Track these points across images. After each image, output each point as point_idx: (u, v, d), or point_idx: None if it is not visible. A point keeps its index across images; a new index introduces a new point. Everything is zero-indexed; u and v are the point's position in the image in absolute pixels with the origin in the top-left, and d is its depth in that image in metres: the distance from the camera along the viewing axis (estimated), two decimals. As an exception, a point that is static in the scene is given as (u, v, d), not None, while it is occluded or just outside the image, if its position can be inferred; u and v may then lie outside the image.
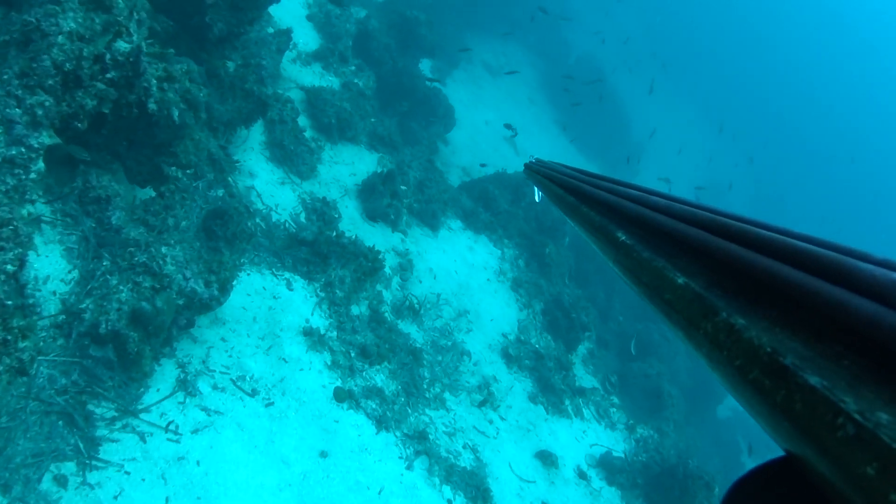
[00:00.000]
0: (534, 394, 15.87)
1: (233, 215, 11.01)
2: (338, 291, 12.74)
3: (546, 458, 14.36)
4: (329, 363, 11.61)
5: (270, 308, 11.55)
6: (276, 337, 11.19)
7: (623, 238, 1.44)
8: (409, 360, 13.48)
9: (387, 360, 12.77)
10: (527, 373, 16.21)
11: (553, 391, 16.11)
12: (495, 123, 29.17)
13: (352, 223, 15.37)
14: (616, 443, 16.91)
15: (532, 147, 30.51)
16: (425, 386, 13.47)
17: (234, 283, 10.19)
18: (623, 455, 16.35)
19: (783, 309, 0.90)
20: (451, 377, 14.34)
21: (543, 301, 18.55)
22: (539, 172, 2.89)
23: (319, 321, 12.13)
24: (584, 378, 18.55)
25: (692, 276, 1.10)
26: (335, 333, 12.20)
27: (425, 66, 25.55)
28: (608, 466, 15.67)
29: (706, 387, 25.50)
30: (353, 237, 13.51)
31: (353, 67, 19.91)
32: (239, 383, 10.08)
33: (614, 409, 17.95)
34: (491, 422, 14.22)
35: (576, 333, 18.46)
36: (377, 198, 16.04)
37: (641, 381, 19.99)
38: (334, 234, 13.23)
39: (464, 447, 13.02)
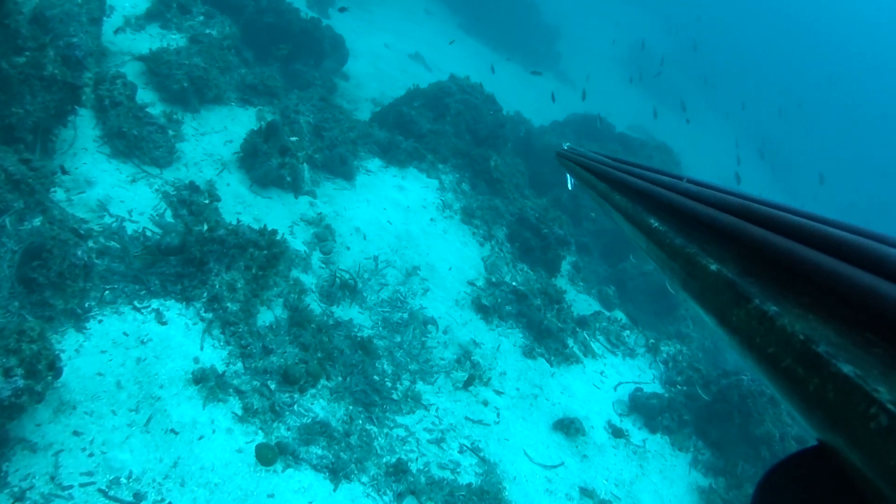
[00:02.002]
0: (528, 346, 12.61)
1: (53, 249, 7.82)
2: (229, 304, 9.19)
3: (568, 427, 11.23)
4: (240, 413, 8.16)
5: (140, 360, 8.03)
6: (155, 401, 7.72)
7: (656, 225, 1.43)
8: (358, 357, 10.19)
9: (324, 375, 9.31)
10: (511, 322, 12.88)
11: (550, 335, 12.84)
12: (396, 45, 27.27)
13: (239, 202, 11.85)
14: (642, 373, 13.85)
15: (442, 59, 28.20)
16: (389, 384, 10.26)
17: (77, 342, 7.72)
18: (657, 387, 13.45)
19: (815, 296, 0.88)
20: (418, 360, 11.12)
21: (505, 224, 15.12)
22: (571, 160, 2.89)
23: (213, 355, 8.64)
24: (579, 300, 15.37)
25: (725, 263, 1.09)
26: (240, 365, 8.74)
27: (299, 1, 22.07)
28: (644, 409, 12.61)
29: None
30: (234, 224, 9.90)
31: (201, 18, 16.06)
32: (114, 492, 6.65)
33: (627, 332, 14.75)
34: (486, 403, 11.03)
35: (554, 251, 15.16)
36: (263, 161, 12.43)
37: (641, 282, 17.15)
38: (205, 227, 9.59)
39: (461, 452, 9.90)
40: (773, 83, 65.88)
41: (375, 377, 10.15)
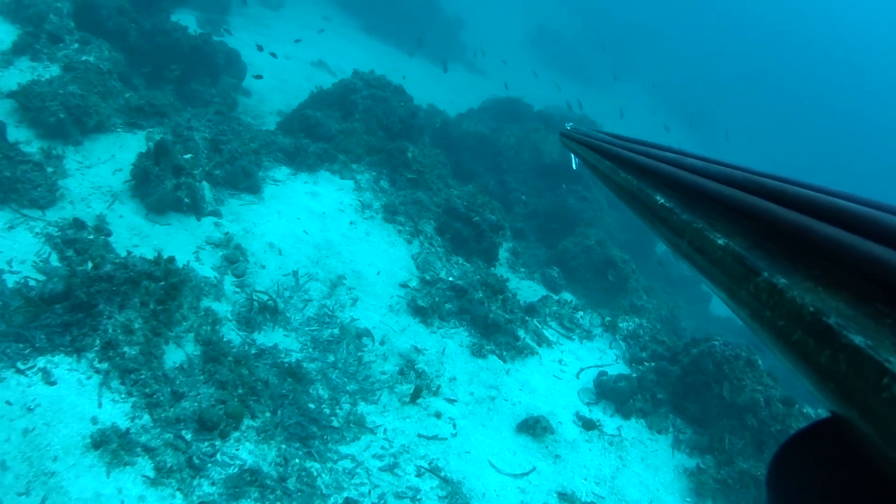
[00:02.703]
0: (476, 345, 11.46)
1: None
2: (127, 349, 7.85)
3: (534, 427, 10.16)
4: (152, 475, 6.88)
5: (27, 431, 6.70)
6: (49, 478, 6.42)
7: (662, 201, 1.41)
8: (288, 386, 9.04)
9: (247, 413, 8.08)
10: (454, 321, 11.74)
11: (498, 328, 11.70)
12: (297, 55, 26.29)
13: (136, 234, 10.55)
14: (604, 354, 12.83)
15: (346, 63, 27.27)
16: (327, 411, 9.13)
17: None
18: (622, 367, 12.51)
19: (825, 268, 0.88)
20: (357, 378, 9.95)
21: (433, 217, 13.98)
22: (574, 139, 2.84)
23: (114, 411, 7.32)
24: (523, 287, 14.33)
25: (732, 237, 1.08)
26: (146, 418, 7.43)
27: (189, 19, 21.50)
28: (613, 394, 11.56)
29: (641, 233, 22.37)
30: (123, 257, 8.63)
31: (76, 45, 14.67)
32: None
33: (580, 313, 13.71)
34: (439, 415, 9.88)
35: (489, 239, 14.05)
36: (156, 185, 11.12)
37: (584, 259, 16.32)
38: (90, 265, 8.28)
39: (419, 475, 8.79)
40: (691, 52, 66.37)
41: (310, 405, 9.05)
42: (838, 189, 1.03)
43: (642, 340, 13.33)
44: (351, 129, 15.66)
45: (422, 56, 35.59)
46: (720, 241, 1.09)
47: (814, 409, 11.84)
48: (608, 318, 13.75)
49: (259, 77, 19.63)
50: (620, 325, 13.67)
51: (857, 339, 0.69)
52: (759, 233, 1.06)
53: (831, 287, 0.82)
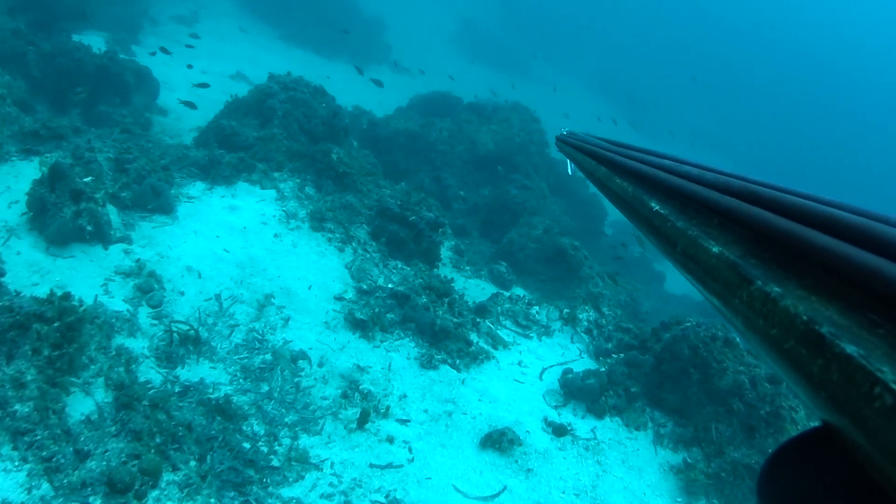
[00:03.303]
0: (425, 355, 10.38)
1: None
2: (19, 406, 6.70)
3: (499, 440, 9.18)
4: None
5: None
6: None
7: (657, 208, 1.39)
8: (218, 425, 8.01)
9: (167, 466, 6.97)
10: (398, 331, 10.66)
11: (448, 335, 10.66)
12: (214, 69, 25.72)
13: (35, 271, 9.44)
14: (566, 350, 11.92)
15: (265, 73, 26.08)
16: (265, 449, 8.10)
17: None
18: (588, 362, 11.61)
19: (819, 277, 0.88)
20: (296, 407, 8.91)
21: (365, 221, 12.91)
22: (570, 144, 2.83)
23: (6, 483, 6.23)
24: (470, 287, 13.38)
25: (727, 245, 1.08)
26: (46, 487, 6.34)
27: (96, 41, 20.33)
28: (582, 393, 10.61)
29: (589, 219, 22.40)
30: (9, 298, 7.49)
31: (-42, 76, 13.54)
32: None
33: (535, 308, 12.73)
34: (391, 440, 8.85)
35: (428, 238, 13.04)
36: (54, 213, 9.98)
37: (533, 250, 15.53)
38: (-37, 313, 7.12)
39: (375, 512, 7.61)
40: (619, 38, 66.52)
41: (245, 445, 8.00)
42: (833, 198, 1.03)
43: (606, 330, 12.43)
44: (270, 136, 14.58)
45: (345, 60, 34.88)
46: (714, 250, 1.07)
47: None
48: (566, 311, 12.80)
49: (190, 100, 18.56)
50: (580, 316, 12.74)
51: (850, 349, 0.68)
52: (753, 241, 1.06)
53: (824, 296, 0.82)
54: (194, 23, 30.88)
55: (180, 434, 7.46)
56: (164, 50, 20.42)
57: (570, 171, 3.64)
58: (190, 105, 16.44)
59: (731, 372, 10.37)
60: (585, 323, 12.66)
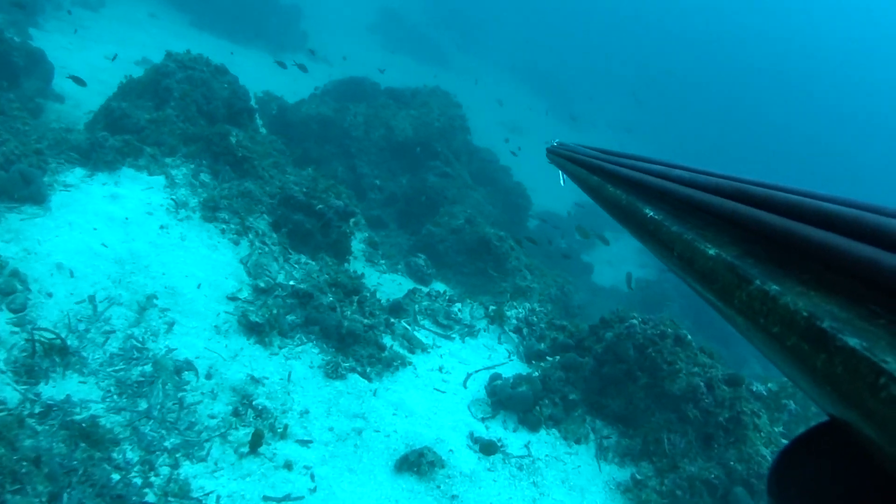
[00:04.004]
0: (331, 363, 9.07)
1: None
2: None
3: (417, 462, 7.99)
4: None
5: None
6: None
7: (651, 214, 1.41)
8: (81, 456, 6.74)
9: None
10: (300, 335, 9.31)
11: (356, 339, 9.36)
12: (120, 55, 23.20)
13: None
14: (493, 352, 10.80)
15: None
16: (138, 481, 6.85)
17: None
18: (518, 366, 10.48)
19: (817, 272, 0.88)
20: (178, 428, 7.61)
21: (266, 210, 11.51)
22: (561, 155, 2.84)
23: None
24: (385, 282, 12.18)
25: (723, 247, 1.08)
26: None
27: None
28: (513, 402, 9.51)
29: (514, 208, 21.28)
30: None
31: None
32: None
33: (457, 305, 11.45)
34: (290, 466, 7.58)
35: (337, 229, 11.72)
36: None
37: (454, 241, 14.34)
38: None
39: (265, 560, 6.37)
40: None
41: (113, 476, 6.67)
42: (825, 192, 1.02)
43: (537, 329, 11.32)
44: (163, 118, 13.10)
45: (259, 47, 33.90)
46: (711, 252, 1.08)
47: (764, 387, 10.06)
48: (492, 307, 11.64)
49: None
50: (508, 313, 11.58)
51: (853, 342, 0.68)
52: (749, 241, 1.06)
53: (823, 291, 0.82)
54: (100, 7, 29.18)
55: (23, 471, 6.06)
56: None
57: (561, 182, 3.60)
58: (79, 81, 14.89)
59: (683, 374, 9.30)
60: (514, 321, 11.50)
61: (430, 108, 20.55)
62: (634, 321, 9.79)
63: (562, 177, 3.26)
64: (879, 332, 0.68)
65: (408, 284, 12.46)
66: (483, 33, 58.02)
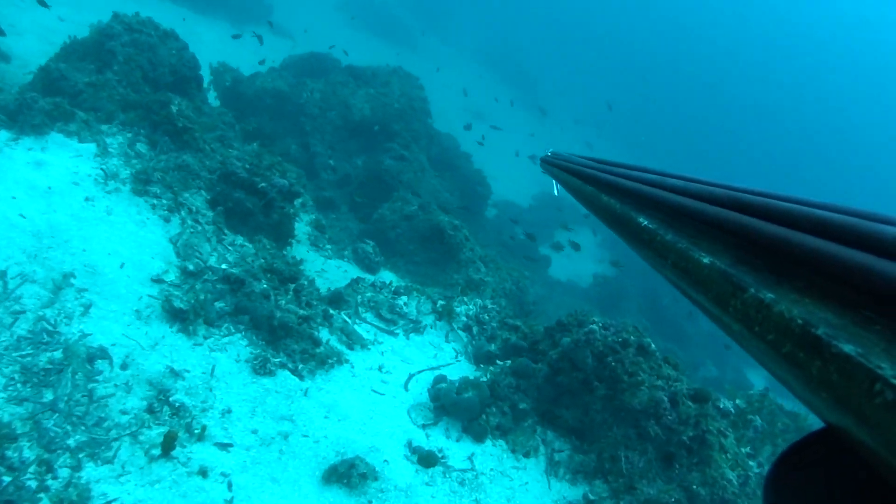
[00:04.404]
0: (259, 357, 8.23)
1: None
2: None
3: (348, 474, 7.19)
4: None
5: None
6: None
7: (645, 223, 1.41)
8: None
9: None
10: (228, 325, 8.48)
11: (289, 331, 8.55)
12: (73, 17, 21.67)
13: None
14: (439, 351, 10.08)
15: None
16: (33, 485, 6.14)
17: None
18: (465, 368, 9.75)
19: (810, 279, 0.88)
20: (85, 424, 6.82)
21: (204, 186, 10.68)
22: (555, 165, 2.87)
23: None
24: (329, 269, 11.49)
25: (717, 255, 1.08)
26: None
27: None
28: (457, 408, 8.75)
29: (472, 196, 20.59)
30: None
31: None
32: None
33: (403, 298, 10.67)
34: (205, 473, 6.79)
35: (280, 210, 10.94)
36: None
37: (406, 228, 13.65)
38: None
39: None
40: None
41: (4, 478, 5.94)
42: (819, 200, 1.03)
43: (489, 328, 10.58)
44: (103, 82, 12.24)
45: (221, 17, 32.83)
46: (705, 260, 1.08)
47: (731, 403, 9.44)
48: (441, 302, 10.88)
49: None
50: (457, 309, 10.80)
51: (847, 348, 0.69)
52: (743, 249, 1.07)
53: (818, 297, 0.82)
54: (59, -32, 27.77)
55: None
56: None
57: (556, 191, 3.59)
58: (43, 3, 14.13)
59: (646, 387, 8.63)
60: (464, 318, 10.74)
61: (390, 88, 19.82)
62: (594, 326, 9.10)
63: (556, 186, 3.25)
64: (874, 339, 0.69)
65: (354, 272, 11.74)
66: (453, 18, 57.27)
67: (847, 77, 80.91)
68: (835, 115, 76.52)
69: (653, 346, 9.09)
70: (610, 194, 1.75)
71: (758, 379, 25.50)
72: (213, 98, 16.70)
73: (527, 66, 56.39)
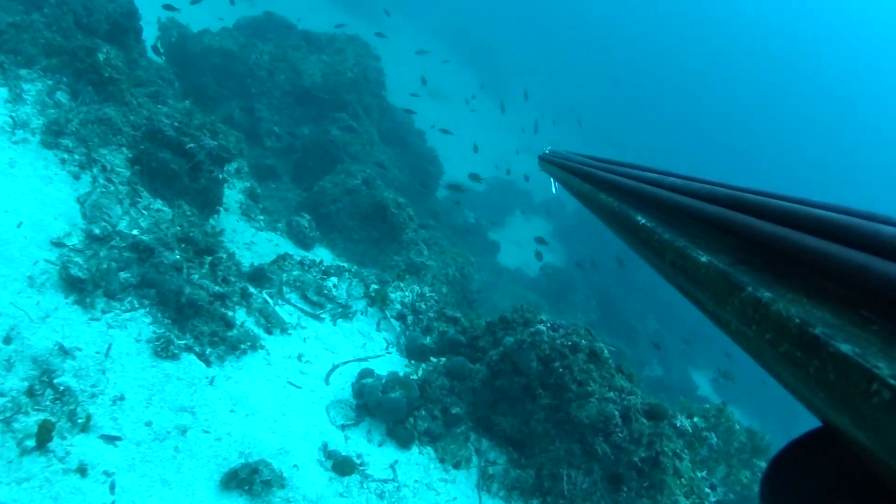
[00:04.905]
0: (163, 338, 7.24)
1: None
2: None
3: (249, 480, 6.26)
4: None
5: None
6: None
7: (643, 221, 1.38)
8: None
9: None
10: (132, 300, 7.48)
11: (198, 311, 7.61)
12: None
13: None
14: (369, 340, 9.24)
15: None
16: None
17: None
18: (395, 361, 8.86)
19: (809, 279, 0.88)
20: None
21: (126, 143, 9.69)
22: (553, 163, 2.86)
23: None
24: (259, 242, 10.68)
25: (715, 254, 1.06)
26: None
27: None
28: (381, 409, 7.90)
29: (425, 175, 19.67)
30: None
31: None
32: None
33: (333, 279, 9.76)
34: (83, 470, 5.84)
35: (208, 174, 10.00)
36: None
37: (348, 203, 12.82)
38: None
39: None
40: None
41: None
42: (819, 199, 1.01)
43: (425, 318, 9.71)
44: (27, 24, 11.15)
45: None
46: (703, 259, 1.06)
47: (689, 422, 8.70)
48: (374, 286, 9.97)
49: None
50: (392, 295, 9.91)
51: (845, 348, 0.68)
52: (741, 248, 1.06)
53: (816, 297, 0.82)
54: None
55: None
56: None
57: (553, 189, 3.59)
58: None
59: (595, 398, 7.75)
60: (399, 305, 9.86)
61: (344, 56, 18.86)
62: (542, 327, 8.21)
63: (553, 184, 3.21)
64: (871, 338, 0.68)
65: (286, 247, 10.87)
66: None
67: (831, 76, 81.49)
68: (820, 114, 76.81)
69: (606, 352, 8.25)
70: (608, 192, 1.73)
71: (703, 381, 25.09)
72: (149, 51, 15.61)
73: (496, 51, 55.70)
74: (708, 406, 10.35)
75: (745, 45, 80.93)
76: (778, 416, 23.81)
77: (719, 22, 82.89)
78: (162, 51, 16.49)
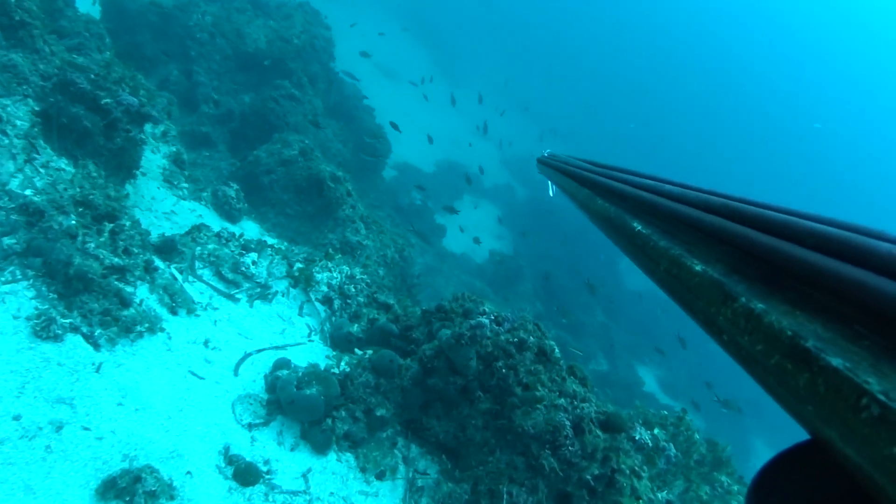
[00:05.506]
0: (45, 315, 6.20)
1: None
2: None
3: (129, 490, 5.29)
4: None
5: None
6: None
7: (639, 228, 1.40)
8: None
9: None
10: (14, 269, 6.40)
11: (87, 283, 6.62)
12: None
13: None
14: (289, 326, 8.41)
15: None
16: None
17: None
18: (318, 351, 7.96)
19: (802, 292, 0.88)
20: None
21: (34, 94, 8.68)
22: (551, 166, 2.86)
23: None
24: (180, 211, 9.73)
25: (710, 263, 1.07)
26: None
27: None
28: (295, 407, 6.94)
29: (372, 150, 18.61)
30: None
31: None
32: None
33: (253, 255, 8.84)
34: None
35: (124, 133, 9.04)
36: None
37: (282, 175, 12.03)
38: None
39: None
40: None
41: None
42: (815, 212, 1.01)
43: (353, 302, 8.83)
44: None
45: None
46: (697, 268, 1.07)
47: (649, 434, 7.91)
48: (299, 265, 9.07)
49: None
50: (319, 275, 9.01)
51: (836, 362, 0.69)
52: (736, 258, 1.06)
53: (809, 310, 0.82)
54: None
55: None
56: None
57: (551, 192, 3.51)
58: None
59: (544, 405, 6.88)
60: (325, 287, 8.96)
61: (292, 22, 17.95)
62: (485, 320, 7.37)
63: (551, 187, 3.19)
64: (863, 353, 0.69)
65: (210, 218, 9.97)
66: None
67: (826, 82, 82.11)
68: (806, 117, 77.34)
69: (557, 352, 7.47)
70: (605, 198, 1.72)
71: (649, 377, 24.64)
72: (78, 5, 14.49)
73: (452, 34, 55.09)
74: (666, 413, 9.65)
75: (709, 40, 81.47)
76: (728, 419, 23.42)
77: (687, 17, 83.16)
78: (97, 4, 15.49)
